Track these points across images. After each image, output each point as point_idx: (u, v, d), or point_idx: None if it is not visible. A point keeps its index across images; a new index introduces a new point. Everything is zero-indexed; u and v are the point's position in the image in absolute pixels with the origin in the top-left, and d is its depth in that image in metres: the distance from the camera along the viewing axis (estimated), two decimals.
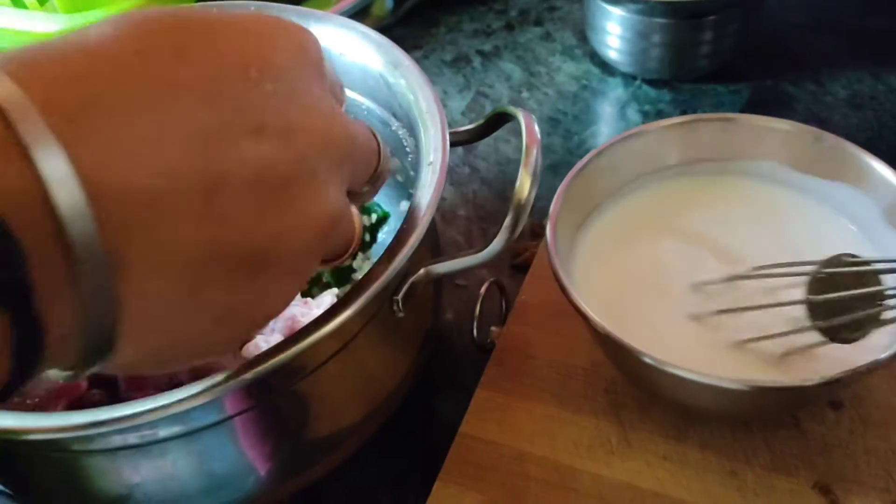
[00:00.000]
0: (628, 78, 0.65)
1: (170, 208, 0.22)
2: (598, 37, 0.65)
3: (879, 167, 0.42)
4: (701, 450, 0.41)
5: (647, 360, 0.37)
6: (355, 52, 0.43)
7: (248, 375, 0.31)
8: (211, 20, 0.25)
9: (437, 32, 0.72)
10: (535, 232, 0.53)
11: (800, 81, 0.63)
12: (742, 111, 0.61)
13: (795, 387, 0.36)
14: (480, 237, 0.55)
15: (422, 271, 0.36)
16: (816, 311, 0.37)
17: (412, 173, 0.46)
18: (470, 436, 0.42)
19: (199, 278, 0.23)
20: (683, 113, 0.62)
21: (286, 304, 0.28)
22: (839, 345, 0.37)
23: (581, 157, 0.59)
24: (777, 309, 0.38)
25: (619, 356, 0.41)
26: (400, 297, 0.35)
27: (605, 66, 0.66)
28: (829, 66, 0.64)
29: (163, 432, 0.33)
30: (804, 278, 0.38)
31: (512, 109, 0.38)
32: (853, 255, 0.37)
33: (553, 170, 0.59)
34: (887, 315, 0.36)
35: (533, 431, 0.42)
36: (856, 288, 0.36)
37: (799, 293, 0.38)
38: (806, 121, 0.46)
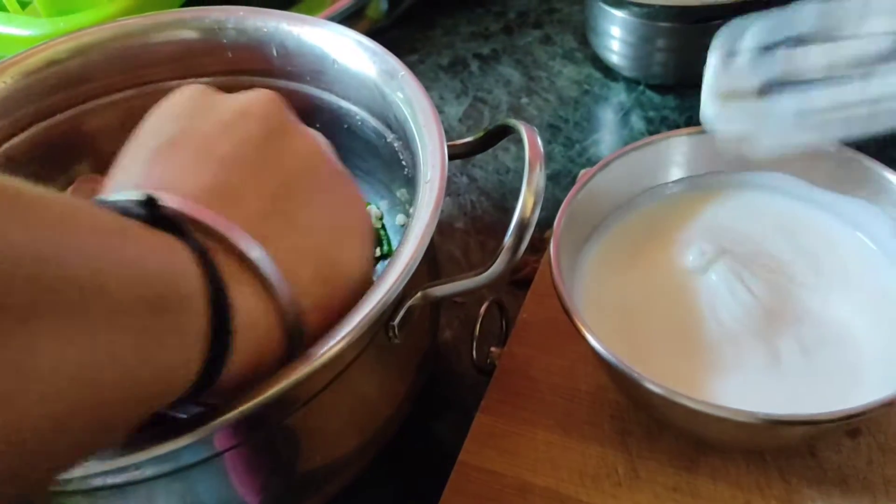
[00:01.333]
0: (631, 83, 0.63)
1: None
2: (600, 40, 0.63)
3: (893, 179, 0.40)
4: (713, 481, 0.39)
5: (656, 389, 0.35)
6: (350, 60, 0.41)
7: (239, 411, 0.29)
8: None
9: (433, 35, 0.70)
10: (536, 246, 0.51)
11: None
12: None
13: (812, 420, 0.34)
14: (479, 251, 0.53)
15: (419, 295, 0.34)
16: None
17: (403, 190, 0.44)
18: (469, 465, 0.40)
19: None
20: (689, 120, 0.60)
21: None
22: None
23: (583, 166, 0.58)
24: None
25: (623, 383, 0.39)
26: (396, 322, 0.33)
27: (608, 71, 0.64)
28: None
29: (149, 472, 0.31)
30: None
31: (514, 123, 0.36)
32: None
33: (554, 179, 0.57)
34: None
35: (535, 460, 0.40)
36: None
37: None
38: None
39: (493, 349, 0.45)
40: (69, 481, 0.30)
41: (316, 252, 0.31)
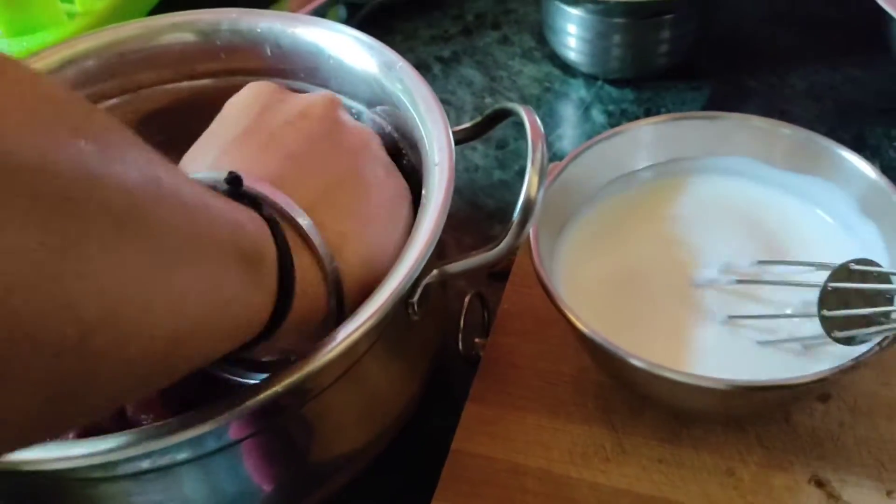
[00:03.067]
0: (590, 79, 0.65)
1: None
2: (557, 38, 0.64)
3: (851, 158, 0.43)
4: (696, 451, 0.41)
5: (636, 363, 0.36)
6: (346, 54, 0.42)
7: (260, 398, 0.30)
8: None
9: (393, 41, 0.71)
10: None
11: (759, 75, 0.63)
12: (704, 107, 0.61)
13: (784, 385, 0.36)
14: (455, 249, 0.54)
15: (435, 272, 0.35)
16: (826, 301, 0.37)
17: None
18: (463, 451, 0.42)
19: None
20: (647, 111, 0.62)
21: None
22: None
23: (550, 160, 0.59)
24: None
25: (607, 361, 0.40)
26: (415, 300, 0.34)
27: (567, 68, 0.66)
28: (787, 58, 0.64)
29: (173, 457, 0.32)
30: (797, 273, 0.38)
31: (512, 105, 0.38)
32: (865, 262, 0.37)
33: (522, 175, 0.58)
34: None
35: (526, 443, 0.42)
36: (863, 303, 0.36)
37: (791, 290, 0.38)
38: (768, 114, 0.46)
39: (477, 340, 0.46)
40: (95, 468, 0.30)
41: (359, 237, 0.35)
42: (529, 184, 0.35)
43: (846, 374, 0.36)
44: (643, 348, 0.37)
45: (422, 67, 0.68)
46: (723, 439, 0.41)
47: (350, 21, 0.71)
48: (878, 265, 0.37)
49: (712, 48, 0.65)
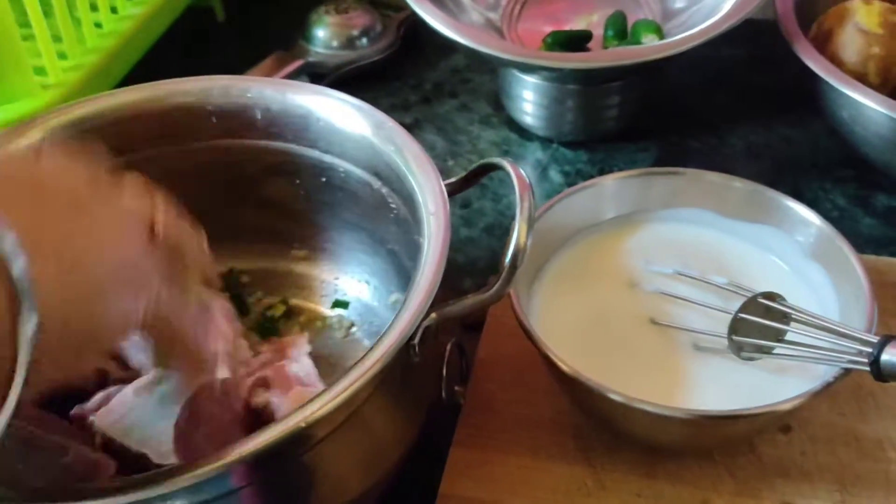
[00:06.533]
0: (545, 141, 0.69)
1: None
2: (514, 104, 0.68)
3: (796, 207, 0.47)
4: (671, 484, 0.43)
5: (614, 397, 0.39)
6: (335, 116, 0.45)
7: (261, 446, 0.31)
8: None
9: None
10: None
11: (701, 136, 0.68)
12: (653, 166, 0.65)
13: (749, 415, 0.39)
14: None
15: (433, 315, 0.37)
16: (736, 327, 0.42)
17: (393, 228, 0.47)
18: (450, 495, 0.43)
19: None
20: (601, 171, 0.66)
21: None
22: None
23: (511, 218, 0.62)
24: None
25: (585, 398, 0.43)
26: (416, 341, 0.36)
27: (523, 132, 0.69)
28: (725, 121, 0.69)
29: None
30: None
31: (497, 161, 0.41)
32: (772, 296, 0.42)
33: (488, 231, 0.61)
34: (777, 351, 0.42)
35: (511, 482, 0.43)
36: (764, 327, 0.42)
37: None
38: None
39: (457, 388, 0.48)
40: None
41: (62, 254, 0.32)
42: (519, 232, 0.37)
43: (806, 401, 0.39)
44: (617, 384, 0.40)
45: None
46: (696, 472, 0.43)
47: None
48: (783, 299, 0.42)
49: (657, 113, 0.69)
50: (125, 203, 0.36)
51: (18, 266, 0.29)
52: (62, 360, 0.32)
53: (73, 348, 0.33)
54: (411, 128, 0.71)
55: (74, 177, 0.35)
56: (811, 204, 0.60)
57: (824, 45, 0.60)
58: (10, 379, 0.28)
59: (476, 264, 0.59)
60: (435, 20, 0.59)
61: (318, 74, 0.74)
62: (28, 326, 0.29)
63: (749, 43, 0.71)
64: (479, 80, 0.76)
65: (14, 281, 0.29)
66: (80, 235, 0.34)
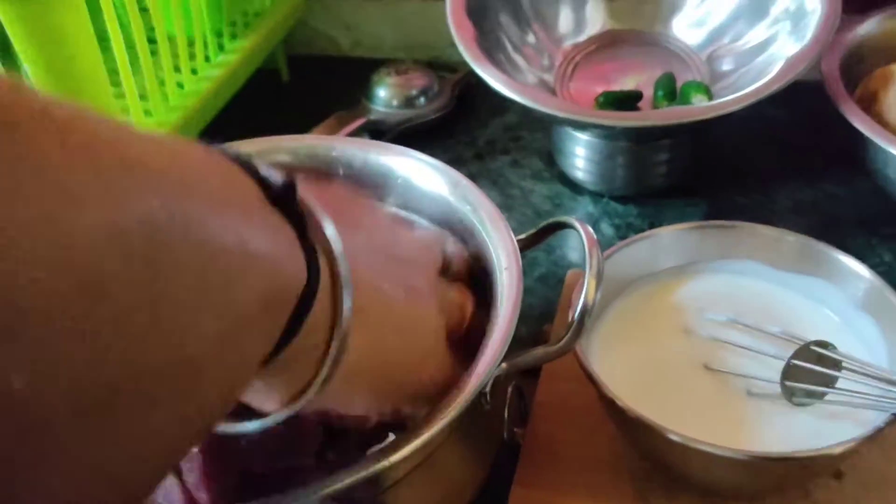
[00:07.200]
0: (596, 195, 0.71)
1: None
2: (566, 160, 0.71)
3: (846, 260, 0.49)
4: None
5: (673, 437, 0.41)
6: (415, 175, 0.48)
7: (336, 487, 0.33)
8: None
9: None
10: (540, 339, 0.58)
11: (748, 193, 0.70)
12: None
13: (802, 457, 0.41)
14: None
15: (503, 365, 0.39)
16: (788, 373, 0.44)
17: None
18: None
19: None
20: (651, 225, 0.68)
21: None
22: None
23: (565, 268, 0.65)
24: None
25: (645, 439, 0.44)
26: (488, 390, 0.38)
27: (574, 186, 0.72)
28: (772, 178, 0.71)
29: None
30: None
31: (566, 219, 0.43)
32: (821, 343, 0.45)
33: (542, 280, 0.64)
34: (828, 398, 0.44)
35: None
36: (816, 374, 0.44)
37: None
38: None
39: (516, 430, 0.50)
40: None
41: (381, 313, 0.34)
42: (588, 287, 0.39)
43: (858, 447, 0.40)
44: (673, 427, 0.41)
45: None
46: None
47: None
48: (834, 347, 0.44)
49: (706, 169, 0.72)
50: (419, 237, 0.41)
51: (338, 247, 0.30)
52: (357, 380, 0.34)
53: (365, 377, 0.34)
54: None
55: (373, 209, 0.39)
56: (858, 259, 0.63)
57: (870, 105, 0.62)
58: (321, 363, 0.31)
59: (531, 312, 0.61)
60: (496, 81, 0.62)
61: (379, 131, 0.78)
62: (345, 307, 0.30)
63: (794, 103, 0.73)
64: (531, 137, 0.79)
65: (336, 260, 0.30)
66: (401, 313, 0.35)
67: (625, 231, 0.68)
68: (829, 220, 0.67)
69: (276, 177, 0.29)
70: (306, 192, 0.30)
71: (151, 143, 0.24)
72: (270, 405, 0.32)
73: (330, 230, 0.30)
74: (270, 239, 0.27)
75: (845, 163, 0.68)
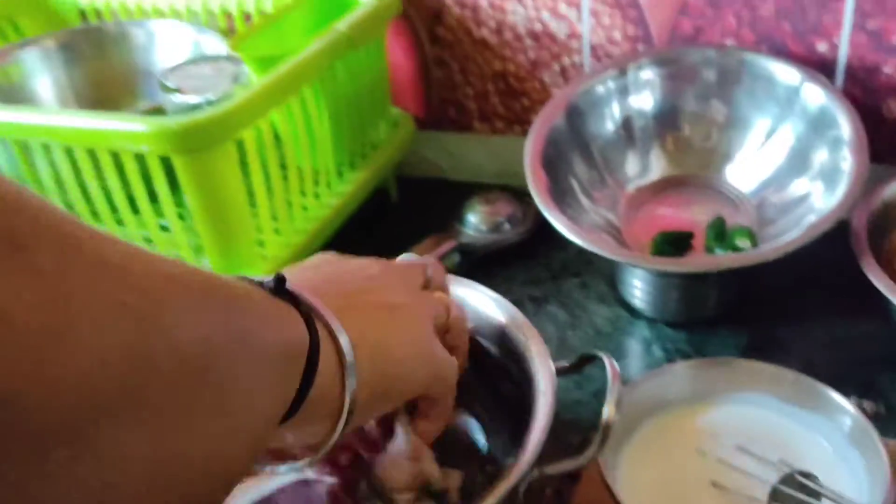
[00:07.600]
0: (651, 321, 0.81)
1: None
2: (625, 288, 0.82)
3: (836, 397, 0.57)
4: None
5: None
6: (482, 307, 0.59)
7: None
8: None
9: (495, 283, 0.87)
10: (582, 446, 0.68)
11: (789, 326, 0.79)
12: (744, 351, 0.76)
13: None
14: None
15: (535, 472, 0.48)
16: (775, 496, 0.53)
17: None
18: None
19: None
20: (697, 351, 0.77)
21: None
22: None
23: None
24: None
25: None
26: (521, 495, 0.47)
27: (633, 311, 0.83)
28: (811, 313, 0.80)
29: None
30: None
31: (596, 352, 0.53)
32: (805, 474, 0.53)
33: (595, 395, 0.74)
34: None
35: None
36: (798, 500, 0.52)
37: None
38: (796, 360, 0.61)
39: None
40: None
41: (376, 343, 0.43)
42: (609, 411, 0.49)
43: None
44: None
45: (518, 304, 0.85)
46: None
47: (462, 265, 0.90)
48: (816, 479, 0.52)
49: (750, 303, 0.81)
50: (426, 301, 0.49)
51: (345, 342, 0.40)
52: (369, 409, 0.43)
53: (377, 403, 0.44)
54: (539, 301, 0.86)
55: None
56: (879, 394, 0.70)
57: (892, 260, 0.70)
58: (337, 419, 0.41)
59: (581, 423, 0.72)
60: (558, 223, 0.74)
61: (468, 252, 0.90)
62: (350, 382, 0.40)
63: (839, 242, 0.81)
64: (601, 261, 0.90)
65: (342, 354, 0.40)
66: (392, 330, 0.44)
67: (673, 354, 0.78)
68: (860, 357, 0.75)
69: (268, 278, 0.39)
70: (296, 283, 0.40)
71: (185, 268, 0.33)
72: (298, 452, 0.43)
73: (315, 301, 0.40)
74: (285, 318, 0.38)
75: (882, 303, 0.75)
